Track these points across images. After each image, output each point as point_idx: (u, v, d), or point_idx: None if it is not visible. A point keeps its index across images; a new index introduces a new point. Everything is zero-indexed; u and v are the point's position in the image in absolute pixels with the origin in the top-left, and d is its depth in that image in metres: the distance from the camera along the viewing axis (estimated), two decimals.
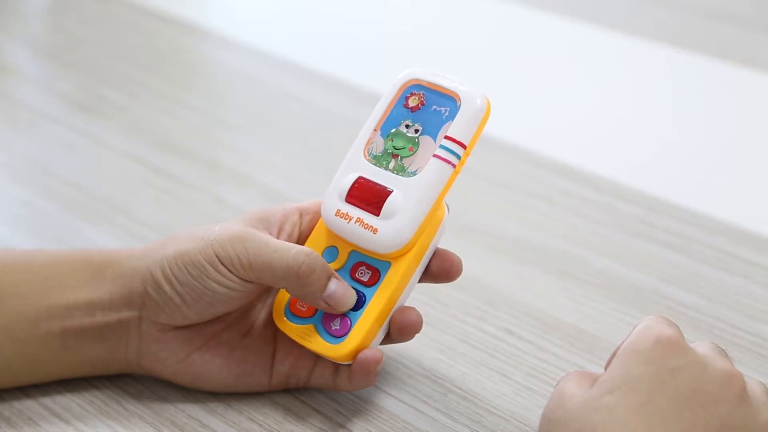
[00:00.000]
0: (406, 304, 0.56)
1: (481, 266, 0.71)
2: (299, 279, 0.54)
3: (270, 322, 0.59)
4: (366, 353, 0.55)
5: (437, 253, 0.57)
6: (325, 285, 0.54)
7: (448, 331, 0.65)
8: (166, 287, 0.55)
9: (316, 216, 0.59)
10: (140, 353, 0.57)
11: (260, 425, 0.57)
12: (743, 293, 0.70)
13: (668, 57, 1.12)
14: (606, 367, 0.49)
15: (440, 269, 0.57)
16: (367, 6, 1.28)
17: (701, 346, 0.50)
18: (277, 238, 0.57)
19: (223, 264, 0.54)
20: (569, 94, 1.04)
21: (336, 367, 0.57)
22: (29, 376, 0.58)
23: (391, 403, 0.59)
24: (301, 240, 0.59)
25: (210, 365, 0.57)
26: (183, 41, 1.14)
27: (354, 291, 0.55)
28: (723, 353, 0.50)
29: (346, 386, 0.57)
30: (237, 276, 0.54)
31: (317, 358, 0.58)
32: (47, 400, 0.58)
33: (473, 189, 0.81)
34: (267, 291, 0.60)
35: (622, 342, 0.49)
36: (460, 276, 0.57)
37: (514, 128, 0.90)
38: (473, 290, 0.68)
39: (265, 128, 0.94)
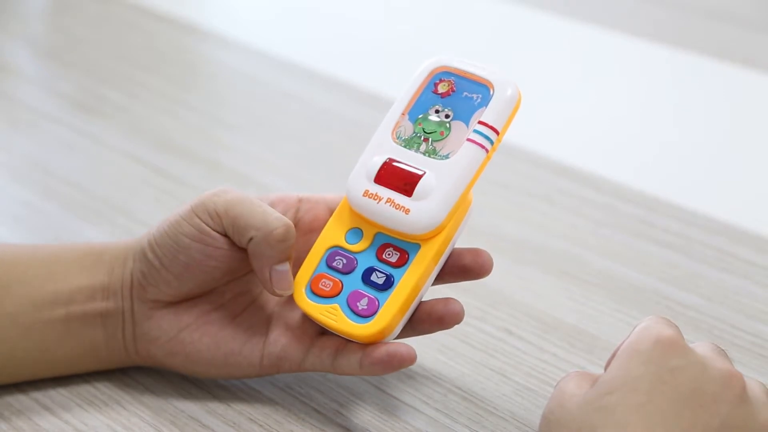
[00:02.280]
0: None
1: None
2: (270, 238, 0.54)
3: (266, 306, 0.59)
4: (401, 348, 0.54)
5: (469, 250, 0.57)
6: (283, 260, 0.55)
7: (448, 332, 0.64)
8: (149, 255, 0.56)
9: (317, 205, 0.59)
10: (135, 337, 0.58)
11: (260, 425, 0.57)
12: (743, 293, 0.70)
13: (668, 57, 1.12)
14: (606, 368, 0.49)
15: (475, 263, 0.57)
16: (367, 6, 1.28)
17: (701, 347, 0.50)
18: None
19: (198, 217, 0.55)
20: (569, 94, 1.04)
21: (336, 349, 0.56)
22: (33, 366, 0.58)
23: (391, 403, 0.59)
24: (298, 227, 0.59)
25: (199, 344, 0.57)
26: (183, 41, 1.14)
27: (293, 288, 0.56)
28: (723, 353, 0.50)
29: (351, 370, 0.56)
30: (210, 227, 0.55)
31: (312, 341, 0.57)
32: (46, 399, 0.58)
33: (473, 189, 0.80)
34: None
35: (622, 342, 0.49)
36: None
37: (514, 128, 0.90)
38: (473, 290, 0.68)
39: (265, 128, 0.94)
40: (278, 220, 0.55)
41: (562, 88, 1.05)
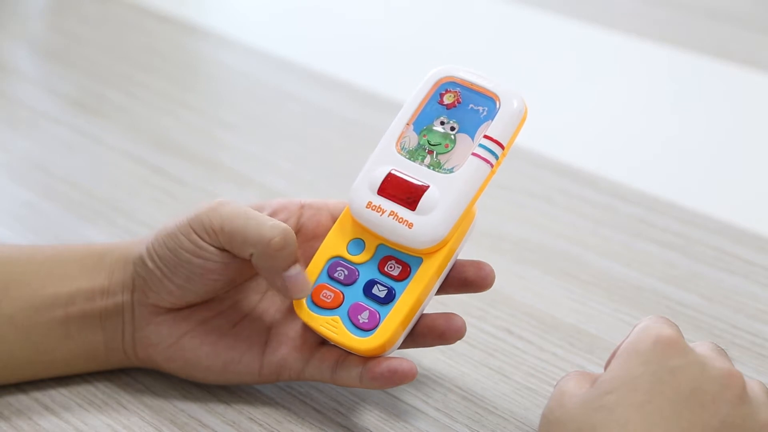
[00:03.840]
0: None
1: None
2: (268, 249, 0.54)
3: (266, 314, 0.59)
4: (402, 365, 0.54)
5: (471, 263, 0.57)
6: (290, 266, 0.54)
7: None
8: (149, 263, 0.56)
9: (319, 212, 0.59)
10: (135, 340, 0.58)
11: (260, 425, 0.57)
12: (743, 293, 0.70)
13: (668, 57, 1.12)
14: (606, 367, 0.49)
15: (477, 277, 0.57)
16: (367, 6, 1.28)
17: (701, 346, 0.50)
18: None
19: (196, 233, 0.55)
20: (569, 93, 1.04)
21: (336, 361, 0.56)
22: (32, 368, 0.58)
23: (391, 403, 0.59)
24: (300, 233, 0.58)
25: (198, 351, 0.57)
26: (183, 41, 1.14)
27: (311, 288, 0.55)
28: (723, 353, 0.50)
29: (351, 382, 0.56)
30: (208, 243, 0.55)
31: (313, 351, 0.57)
32: (46, 399, 0.58)
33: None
34: (259, 280, 0.60)
35: (622, 342, 0.49)
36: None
37: None
38: None
39: (265, 128, 0.94)
40: (273, 229, 0.54)
41: (562, 88, 1.05)
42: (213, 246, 0.55)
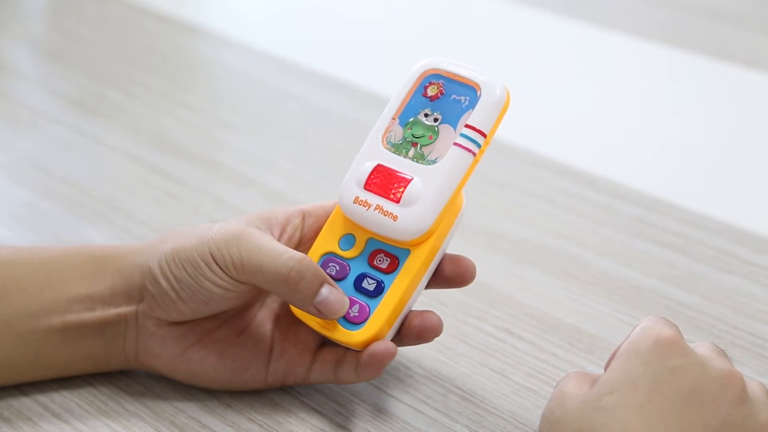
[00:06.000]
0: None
1: (480, 266, 0.71)
2: (288, 285, 0.54)
3: (267, 321, 0.59)
4: (378, 347, 0.55)
5: (451, 258, 0.57)
6: (317, 291, 0.54)
7: (448, 332, 0.64)
8: (163, 282, 0.55)
9: (319, 219, 0.59)
10: (138, 348, 0.57)
11: (260, 425, 0.57)
12: (743, 293, 0.70)
13: (668, 57, 1.12)
14: (606, 368, 0.49)
15: (455, 273, 0.57)
16: (367, 6, 1.28)
17: (701, 347, 0.50)
18: (279, 240, 0.57)
19: (217, 264, 0.54)
20: (569, 94, 1.04)
21: (337, 360, 0.57)
22: (30, 371, 0.58)
23: (390, 403, 0.59)
24: (303, 242, 0.59)
25: (205, 362, 0.57)
26: (183, 41, 1.14)
27: (347, 299, 0.55)
28: (722, 353, 0.50)
29: (351, 379, 0.56)
30: (230, 277, 0.54)
31: (315, 355, 0.58)
32: (46, 400, 0.58)
33: (473, 189, 0.80)
34: (264, 291, 0.60)
35: (622, 342, 0.49)
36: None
37: (514, 128, 0.90)
38: (473, 290, 0.68)
39: (265, 128, 0.94)
40: (287, 263, 0.54)
41: (562, 88, 1.05)
42: (236, 280, 0.55)
